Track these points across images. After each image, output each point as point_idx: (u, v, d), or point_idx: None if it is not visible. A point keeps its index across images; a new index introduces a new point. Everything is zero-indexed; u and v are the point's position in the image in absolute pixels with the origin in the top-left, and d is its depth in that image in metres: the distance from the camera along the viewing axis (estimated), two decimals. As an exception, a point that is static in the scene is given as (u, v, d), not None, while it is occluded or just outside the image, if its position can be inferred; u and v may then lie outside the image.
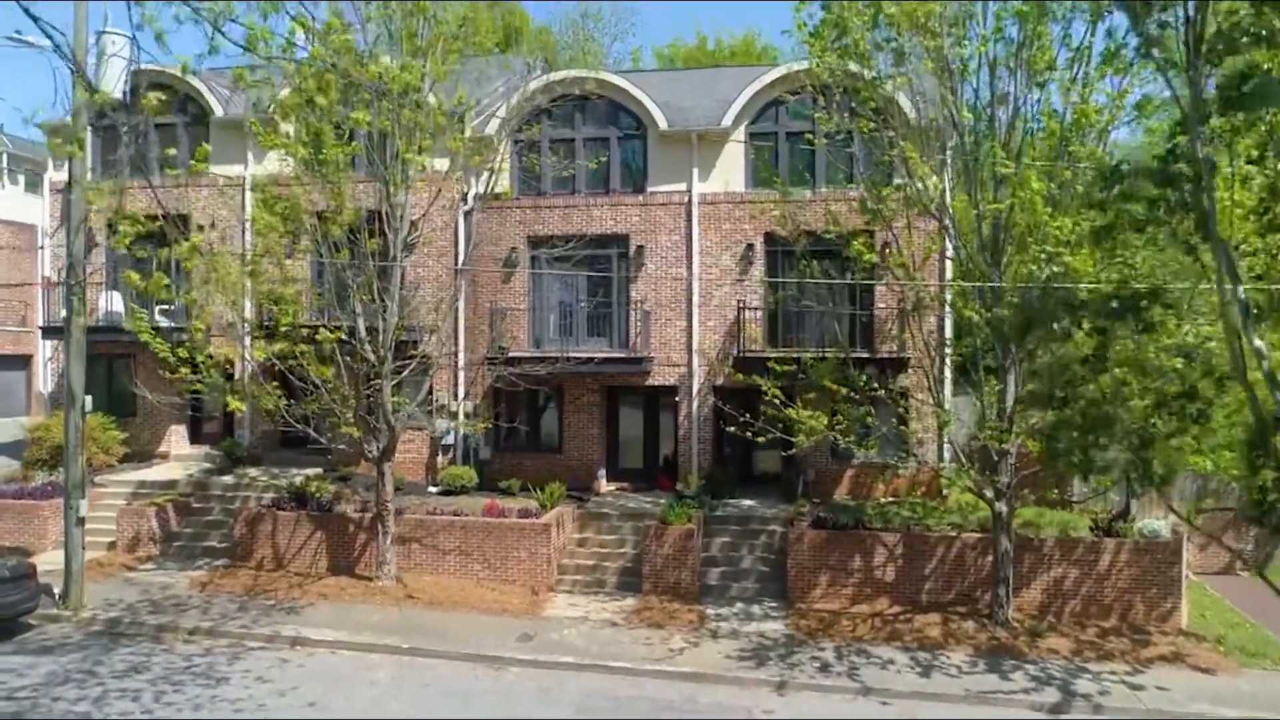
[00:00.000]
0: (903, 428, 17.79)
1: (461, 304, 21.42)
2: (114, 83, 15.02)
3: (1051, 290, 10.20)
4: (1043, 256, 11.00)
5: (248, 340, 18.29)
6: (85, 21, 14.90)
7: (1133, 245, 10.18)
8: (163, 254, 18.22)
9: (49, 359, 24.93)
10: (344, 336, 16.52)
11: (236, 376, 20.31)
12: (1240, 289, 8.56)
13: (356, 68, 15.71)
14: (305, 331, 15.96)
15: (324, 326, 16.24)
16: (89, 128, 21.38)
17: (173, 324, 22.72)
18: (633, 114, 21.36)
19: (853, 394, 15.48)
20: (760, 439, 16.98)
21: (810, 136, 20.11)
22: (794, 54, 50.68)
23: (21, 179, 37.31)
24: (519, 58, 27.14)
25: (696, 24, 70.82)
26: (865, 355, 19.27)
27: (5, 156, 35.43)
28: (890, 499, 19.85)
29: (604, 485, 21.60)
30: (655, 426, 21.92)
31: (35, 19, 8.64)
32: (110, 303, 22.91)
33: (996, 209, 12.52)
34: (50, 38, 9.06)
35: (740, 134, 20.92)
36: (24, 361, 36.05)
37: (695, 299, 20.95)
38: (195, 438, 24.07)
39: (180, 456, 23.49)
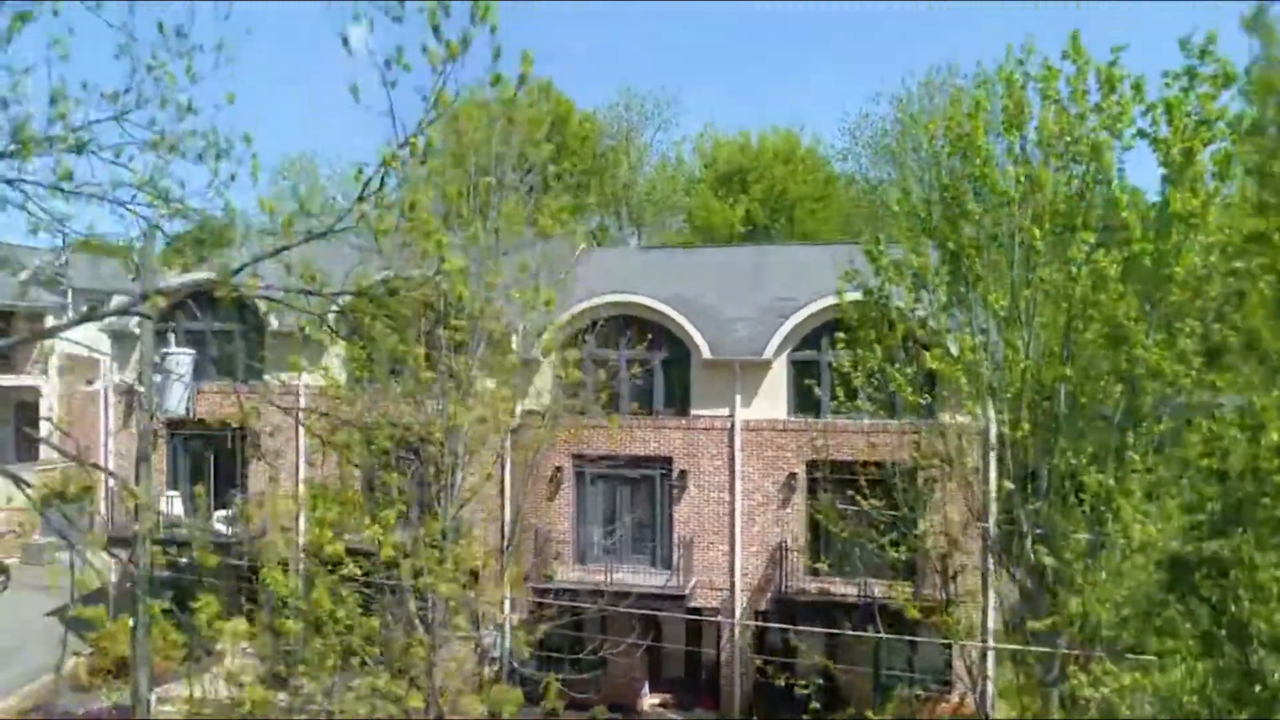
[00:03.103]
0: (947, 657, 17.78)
1: (508, 517, 21.86)
2: (178, 401, 15.66)
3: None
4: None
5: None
6: (151, 342, 15.51)
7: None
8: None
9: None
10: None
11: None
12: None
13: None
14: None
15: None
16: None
17: (231, 532, 23.52)
18: (675, 336, 21.61)
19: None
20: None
21: (853, 365, 20.32)
22: (833, 142, 50.46)
23: (85, 309, 38.61)
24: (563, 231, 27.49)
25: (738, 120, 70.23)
26: (909, 597, 19.29)
27: (70, 293, 36.74)
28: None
29: (647, 701, 21.91)
30: (698, 642, 22.14)
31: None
32: (170, 506, 23.73)
33: (1044, 626, 12.58)
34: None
35: (783, 361, 21.09)
36: (86, 491, 37.21)
37: (738, 524, 21.15)
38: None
39: (237, 651, 24.21)
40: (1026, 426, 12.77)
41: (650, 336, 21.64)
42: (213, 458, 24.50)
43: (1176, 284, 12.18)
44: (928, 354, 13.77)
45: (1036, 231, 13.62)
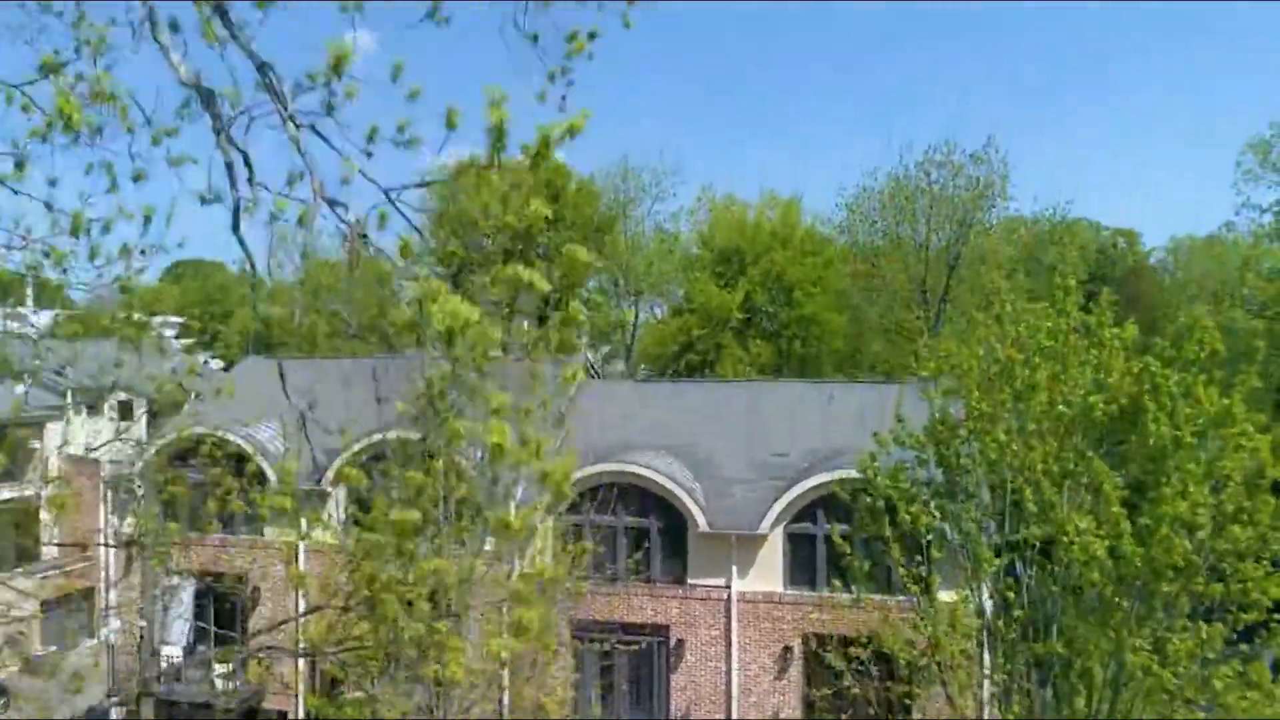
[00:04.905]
0: None
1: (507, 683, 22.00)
2: (179, 635, 15.89)
3: None
4: None
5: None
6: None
7: None
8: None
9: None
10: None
11: None
12: None
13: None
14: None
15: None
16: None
17: (231, 688, 23.67)
18: (673, 507, 21.75)
19: None
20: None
21: (847, 539, 20.52)
22: (838, 220, 50.58)
23: (84, 409, 38.75)
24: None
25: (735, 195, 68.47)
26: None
27: (70, 394, 36.83)
28: None
29: None
30: (696, 807, 22.33)
31: None
32: (171, 657, 23.84)
33: None
34: None
35: (779, 534, 21.26)
36: (86, 594, 37.34)
37: (734, 695, 21.30)
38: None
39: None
40: (1018, 709, 12.94)
41: (648, 504, 21.84)
42: (212, 607, 24.60)
43: (1165, 581, 12.35)
44: (920, 625, 13.94)
45: (1029, 492, 13.83)
